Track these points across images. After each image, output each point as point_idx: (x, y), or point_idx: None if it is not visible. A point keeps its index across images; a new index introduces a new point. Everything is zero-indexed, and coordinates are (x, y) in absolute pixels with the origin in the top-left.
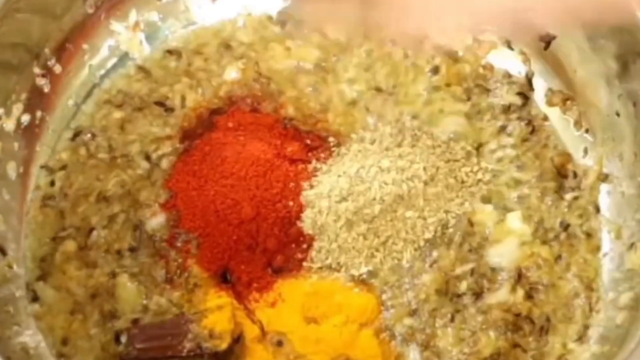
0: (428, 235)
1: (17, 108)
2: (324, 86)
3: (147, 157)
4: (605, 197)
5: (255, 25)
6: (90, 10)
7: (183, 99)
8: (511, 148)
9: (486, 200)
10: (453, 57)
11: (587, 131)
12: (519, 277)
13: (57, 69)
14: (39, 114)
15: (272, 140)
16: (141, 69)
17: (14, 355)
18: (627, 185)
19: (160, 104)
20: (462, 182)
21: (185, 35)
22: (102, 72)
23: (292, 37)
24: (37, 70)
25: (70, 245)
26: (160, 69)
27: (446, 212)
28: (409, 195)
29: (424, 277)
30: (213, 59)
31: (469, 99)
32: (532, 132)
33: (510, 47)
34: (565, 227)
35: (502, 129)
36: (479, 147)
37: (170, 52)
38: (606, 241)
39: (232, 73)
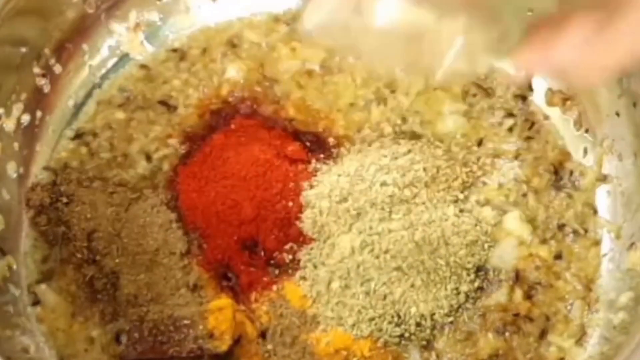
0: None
1: (17, 108)
2: (328, 86)
3: (148, 158)
4: (604, 197)
5: (259, 25)
6: (90, 10)
7: (186, 96)
8: (511, 148)
9: (485, 200)
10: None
11: (587, 131)
12: (518, 277)
13: (57, 69)
14: (39, 114)
15: (272, 140)
16: (143, 68)
17: (14, 355)
18: (626, 185)
19: (163, 102)
20: (463, 182)
21: (187, 35)
22: (102, 72)
23: (299, 37)
24: (37, 70)
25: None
26: (162, 68)
27: (444, 213)
28: (411, 196)
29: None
30: (216, 58)
31: (468, 98)
32: (532, 132)
33: None
34: (564, 227)
35: (502, 129)
36: (478, 147)
37: (174, 50)
38: (606, 241)
39: (233, 72)
